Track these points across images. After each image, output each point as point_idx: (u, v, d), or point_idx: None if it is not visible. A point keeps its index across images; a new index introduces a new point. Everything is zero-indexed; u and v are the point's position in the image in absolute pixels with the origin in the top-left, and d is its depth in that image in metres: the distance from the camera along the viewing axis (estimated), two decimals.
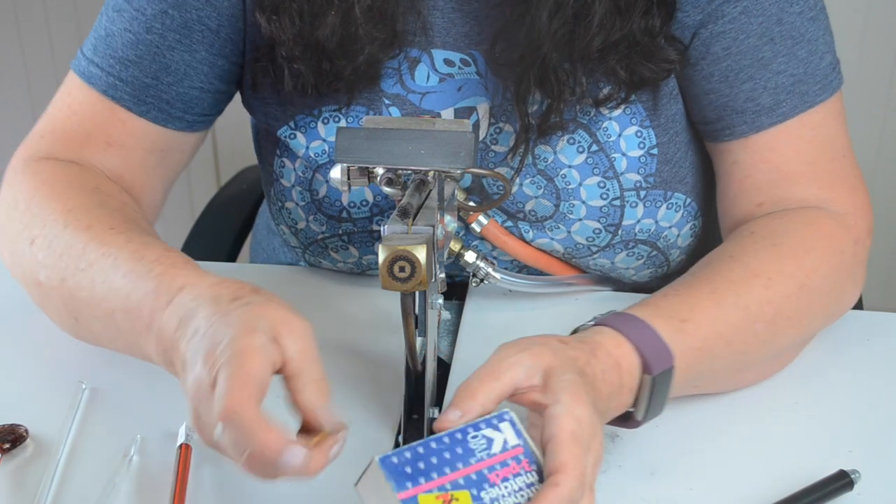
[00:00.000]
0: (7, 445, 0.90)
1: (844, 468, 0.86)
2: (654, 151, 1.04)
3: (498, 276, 1.06)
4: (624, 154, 1.03)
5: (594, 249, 1.07)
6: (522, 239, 1.07)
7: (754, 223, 1.03)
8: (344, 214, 1.07)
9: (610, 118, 1.03)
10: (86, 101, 1.07)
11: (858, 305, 1.18)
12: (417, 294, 0.87)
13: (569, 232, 1.06)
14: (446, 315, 1.07)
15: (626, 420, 0.89)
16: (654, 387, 0.87)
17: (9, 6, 2.39)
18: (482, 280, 1.06)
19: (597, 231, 1.06)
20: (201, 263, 1.15)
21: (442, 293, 0.91)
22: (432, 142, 0.86)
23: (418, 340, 0.89)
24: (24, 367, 1.02)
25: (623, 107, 1.02)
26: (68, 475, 0.89)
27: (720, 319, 0.93)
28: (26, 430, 0.92)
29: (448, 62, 1.03)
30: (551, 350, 0.82)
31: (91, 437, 0.93)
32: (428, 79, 1.04)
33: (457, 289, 1.11)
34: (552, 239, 1.07)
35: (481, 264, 1.06)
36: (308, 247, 1.12)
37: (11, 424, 0.92)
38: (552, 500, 0.74)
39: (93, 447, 0.91)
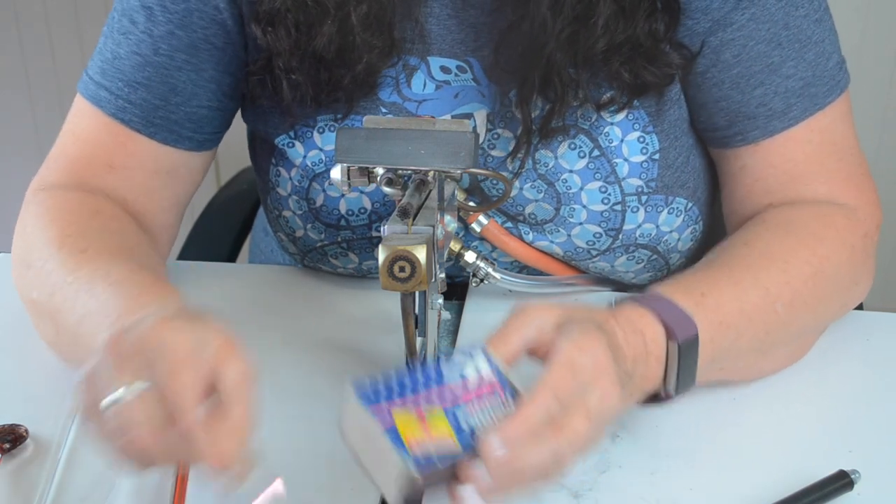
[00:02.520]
0: (7, 445, 0.90)
1: (844, 468, 0.86)
2: (657, 157, 1.04)
3: (498, 276, 1.06)
4: (626, 159, 1.03)
5: (594, 253, 1.07)
6: (522, 240, 1.07)
7: (766, 213, 1.04)
8: (342, 222, 1.07)
9: (612, 123, 1.03)
10: (90, 125, 1.07)
11: (858, 305, 1.18)
12: (417, 294, 0.87)
13: (569, 235, 1.06)
14: (446, 315, 1.07)
15: (656, 397, 0.90)
16: (682, 355, 0.88)
17: (9, 7, 2.39)
18: (482, 280, 1.07)
19: (597, 235, 1.06)
20: (201, 264, 1.16)
21: (442, 293, 0.91)
22: (432, 142, 0.86)
23: (418, 340, 0.89)
24: (25, 367, 1.02)
25: (626, 112, 1.03)
26: (68, 475, 0.89)
27: (740, 297, 0.94)
28: (26, 430, 0.92)
29: (444, 69, 1.03)
30: (564, 307, 0.84)
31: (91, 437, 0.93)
32: (424, 86, 1.03)
33: (457, 289, 1.11)
34: (552, 242, 1.07)
35: (481, 264, 1.06)
36: (307, 254, 1.11)
37: (11, 424, 0.92)
38: (520, 415, 0.75)
39: (93, 447, 0.91)
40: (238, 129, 1.16)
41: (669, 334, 0.88)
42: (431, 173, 0.88)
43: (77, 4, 2.36)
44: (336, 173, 0.90)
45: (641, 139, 1.03)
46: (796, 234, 1.00)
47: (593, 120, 1.02)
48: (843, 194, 1.05)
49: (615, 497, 0.86)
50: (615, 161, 1.03)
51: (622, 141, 1.03)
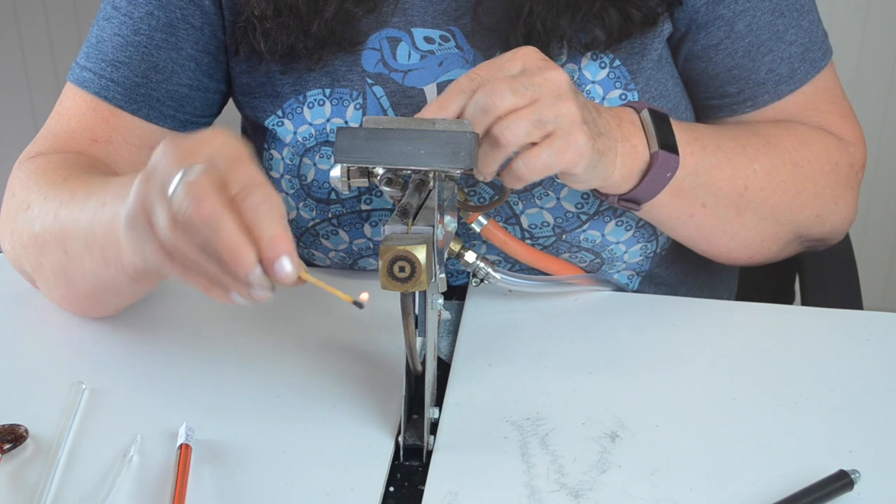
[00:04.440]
0: (7, 445, 0.90)
1: (844, 468, 0.86)
2: None
3: (498, 276, 1.06)
4: None
5: (584, 218, 1.08)
6: (514, 215, 1.08)
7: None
8: (332, 196, 1.08)
9: (593, 82, 1.05)
10: (74, 105, 1.11)
11: (858, 305, 1.18)
12: (417, 294, 0.87)
13: (558, 199, 1.07)
14: (446, 315, 1.07)
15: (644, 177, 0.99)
16: (654, 118, 0.97)
17: (9, 8, 2.39)
18: (482, 280, 1.07)
19: (585, 196, 1.07)
20: None
21: (442, 293, 0.91)
22: (432, 142, 0.86)
23: (418, 340, 0.89)
24: (24, 367, 1.02)
25: (607, 70, 1.05)
26: (68, 475, 0.89)
27: (719, 138, 1.04)
28: (26, 430, 0.92)
29: (428, 39, 1.06)
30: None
31: (91, 437, 0.93)
32: (409, 57, 1.06)
33: (457, 289, 1.11)
34: (542, 208, 1.07)
35: (481, 264, 1.06)
36: (300, 237, 1.13)
37: (11, 424, 0.92)
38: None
39: (93, 447, 0.91)
40: (238, 129, 1.16)
41: (637, 109, 0.99)
42: (431, 173, 0.88)
43: (77, 4, 2.36)
44: (336, 172, 0.91)
45: (623, 97, 1.06)
46: (786, 129, 1.09)
47: (575, 78, 1.05)
48: (836, 128, 1.13)
49: (615, 497, 0.86)
50: None
51: (603, 99, 1.06)
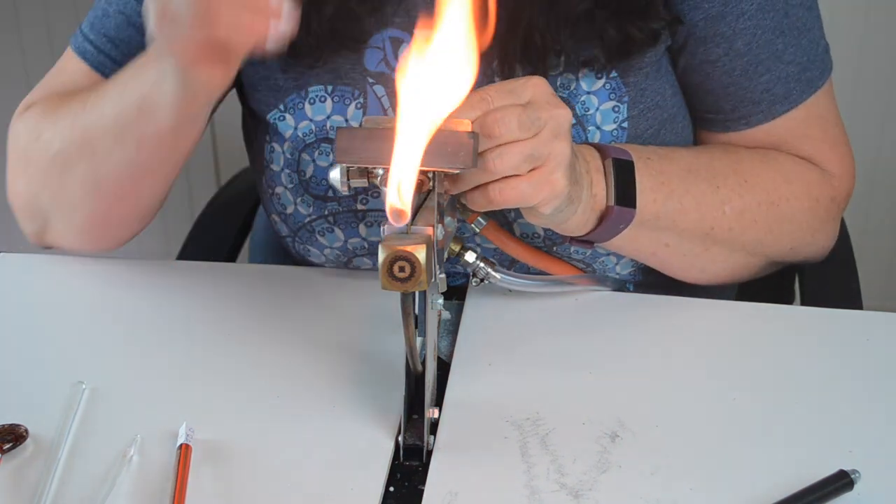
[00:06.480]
0: (7, 445, 0.90)
1: (844, 468, 0.86)
2: (625, 125, 1.06)
3: (498, 276, 1.06)
4: (598, 127, 1.06)
5: None
6: (507, 222, 1.08)
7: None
8: (329, 193, 1.09)
9: (588, 92, 1.05)
10: (75, 70, 1.13)
11: (858, 305, 1.18)
12: (417, 294, 0.87)
13: None
14: (446, 315, 1.07)
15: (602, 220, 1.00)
16: (617, 169, 0.98)
17: (9, 8, 2.39)
18: (482, 280, 1.07)
19: None
20: (201, 264, 1.16)
21: (442, 293, 0.91)
22: (432, 142, 0.86)
23: (418, 340, 0.89)
24: (24, 367, 1.02)
25: (604, 81, 1.05)
26: (68, 475, 0.89)
27: (688, 179, 1.03)
28: (26, 430, 0.92)
29: None
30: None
31: (91, 436, 0.93)
32: None
33: (457, 289, 1.11)
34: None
35: (481, 264, 1.06)
36: (297, 233, 1.13)
37: (11, 424, 0.92)
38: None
39: (93, 447, 0.91)
40: (238, 129, 1.16)
41: (603, 155, 0.99)
42: (430, 173, 0.88)
43: (77, 4, 2.36)
44: (335, 174, 0.91)
45: (616, 108, 1.06)
46: (769, 165, 1.08)
47: (572, 88, 1.05)
48: (825, 159, 1.12)
49: (615, 497, 0.86)
50: (589, 129, 1.06)
51: (598, 109, 1.06)
